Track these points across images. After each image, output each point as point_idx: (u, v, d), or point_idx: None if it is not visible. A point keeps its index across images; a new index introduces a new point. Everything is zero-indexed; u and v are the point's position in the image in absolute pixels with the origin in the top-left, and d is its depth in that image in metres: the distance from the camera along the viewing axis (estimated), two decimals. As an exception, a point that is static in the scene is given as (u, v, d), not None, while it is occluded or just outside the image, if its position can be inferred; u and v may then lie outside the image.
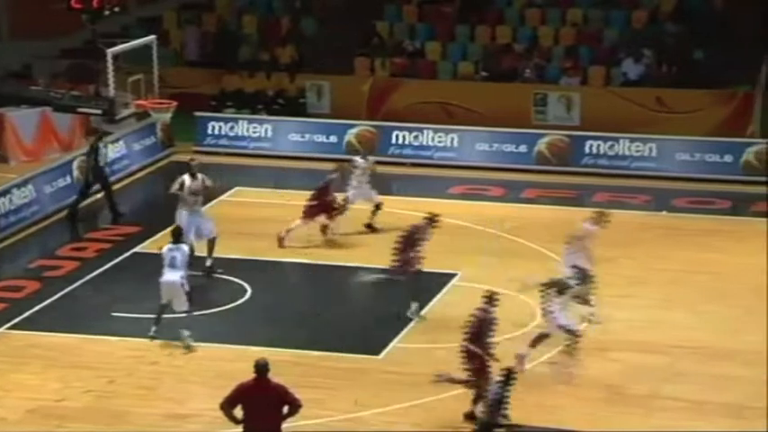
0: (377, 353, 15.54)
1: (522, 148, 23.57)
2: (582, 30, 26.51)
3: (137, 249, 19.29)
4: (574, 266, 15.90)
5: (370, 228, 19.65)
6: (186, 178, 18.00)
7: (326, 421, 13.55)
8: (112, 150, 23.03)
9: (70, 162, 22.10)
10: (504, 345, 15.61)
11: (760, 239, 19.37)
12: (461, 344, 13.52)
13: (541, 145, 23.51)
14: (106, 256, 19.01)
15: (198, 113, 24.92)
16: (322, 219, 19.02)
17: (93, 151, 20.86)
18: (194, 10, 28.95)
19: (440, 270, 18.01)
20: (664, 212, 21.13)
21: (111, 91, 19.54)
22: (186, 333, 15.46)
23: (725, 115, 24.16)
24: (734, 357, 15.25)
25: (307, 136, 24.56)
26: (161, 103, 20.00)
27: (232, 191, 22.13)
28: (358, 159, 19.86)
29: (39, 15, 26.36)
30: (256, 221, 20.42)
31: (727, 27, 25.04)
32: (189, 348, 15.42)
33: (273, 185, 22.69)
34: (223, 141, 24.81)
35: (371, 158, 20.14)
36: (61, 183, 21.60)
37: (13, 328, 16.43)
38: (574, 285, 14.89)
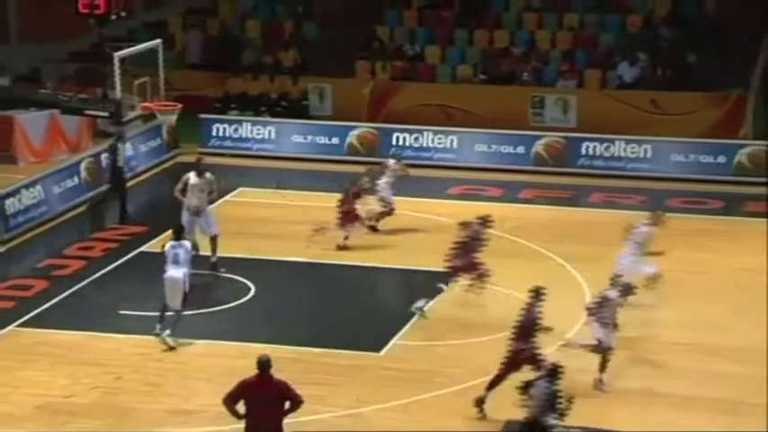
0: (378, 350, 15.53)
1: (520, 150, 23.56)
2: (578, 34, 26.51)
3: (143, 249, 19.29)
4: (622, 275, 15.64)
5: (373, 229, 19.57)
6: (192, 176, 17.97)
7: (327, 417, 13.54)
8: (119, 152, 23.02)
9: (78, 163, 22.10)
10: (502, 342, 15.64)
11: (752, 239, 19.37)
12: (509, 338, 13.58)
13: (539, 146, 23.51)
14: (113, 256, 19.01)
15: (203, 116, 24.92)
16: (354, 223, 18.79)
17: (113, 151, 20.85)
18: (199, 14, 28.96)
19: (439, 269, 18.00)
20: (658, 212, 21.03)
21: (118, 94, 19.57)
22: (167, 332, 15.41)
23: (718, 117, 24.16)
24: (726, 354, 15.24)
25: (309, 137, 24.56)
26: (167, 106, 20.03)
27: (236, 191, 22.14)
28: (390, 161, 19.76)
29: (47, 20, 26.39)
30: (259, 221, 20.43)
31: (720, 32, 25.04)
32: (170, 347, 15.35)
33: (276, 186, 22.67)
34: (227, 143, 24.81)
35: (403, 161, 20.09)
36: (69, 183, 21.60)
37: (21, 325, 16.42)
38: (615, 299, 14.50)
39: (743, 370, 14.82)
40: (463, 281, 16.50)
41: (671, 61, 25.26)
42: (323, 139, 24.45)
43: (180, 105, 20.21)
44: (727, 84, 24.50)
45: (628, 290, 14.61)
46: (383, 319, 16.44)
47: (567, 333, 15.89)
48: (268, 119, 25.45)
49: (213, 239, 17.89)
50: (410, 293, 17.27)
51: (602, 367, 14.30)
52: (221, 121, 25.07)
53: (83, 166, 22.07)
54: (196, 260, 16.30)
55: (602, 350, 14.24)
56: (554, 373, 12.49)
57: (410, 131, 24.12)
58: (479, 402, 13.55)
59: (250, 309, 16.92)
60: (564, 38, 26.45)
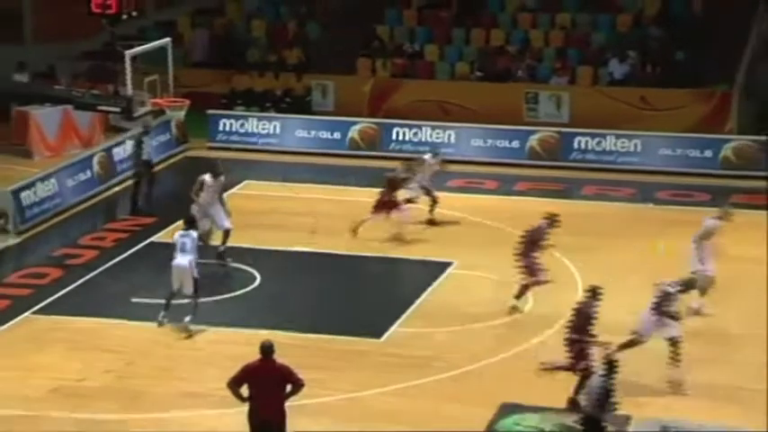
0: (378, 336, 15.52)
1: (515, 144, 23.54)
2: (570, 33, 26.46)
3: (153, 239, 19.29)
4: (695, 272, 15.60)
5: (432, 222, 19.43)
6: (207, 178, 17.88)
7: (328, 400, 13.54)
8: (130, 146, 23.00)
9: (90, 157, 22.11)
10: (497, 329, 15.68)
11: (737, 230, 19.31)
12: (565, 333, 13.41)
13: (533, 141, 23.48)
14: (124, 246, 19.00)
15: (210, 111, 24.90)
16: (392, 215, 18.64)
17: (138, 145, 20.80)
18: (207, 14, 28.92)
19: (438, 258, 18.01)
20: (648, 204, 21.09)
21: (129, 90, 19.50)
22: (187, 319, 15.42)
23: (704, 113, 24.12)
24: (712, 339, 15.23)
25: (312, 132, 24.54)
26: (175, 102, 19.97)
27: (242, 184, 22.12)
28: (426, 157, 19.71)
29: (61, 20, 26.37)
30: (265, 213, 20.42)
31: (707, 31, 24.99)
32: (189, 333, 15.36)
33: (281, 179, 22.65)
34: (234, 137, 24.79)
35: (440, 156, 20.01)
36: (82, 177, 21.60)
37: (37, 312, 16.43)
38: (675, 294, 14.12)
39: (727, 353, 14.80)
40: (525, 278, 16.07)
41: (659, 59, 25.21)
42: (325, 134, 24.43)
43: (188, 101, 20.14)
44: (713, 80, 24.46)
45: (689, 285, 14.15)
46: (383, 307, 16.43)
47: (561, 318, 15.90)
48: (273, 114, 25.42)
49: (226, 232, 17.86)
50: (409, 282, 17.29)
51: (676, 361, 13.86)
52: (228, 117, 25.04)
53: (95, 159, 22.07)
54: (204, 250, 16.25)
55: (674, 343, 13.83)
56: (610, 367, 12.09)
57: (409, 126, 24.09)
58: (572, 403, 13.05)
59: (256, 297, 16.91)
60: (557, 36, 26.41)
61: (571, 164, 23.13)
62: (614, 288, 16.87)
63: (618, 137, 23.16)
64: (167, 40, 20.59)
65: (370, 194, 20.48)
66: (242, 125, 24.81)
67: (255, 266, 17.72)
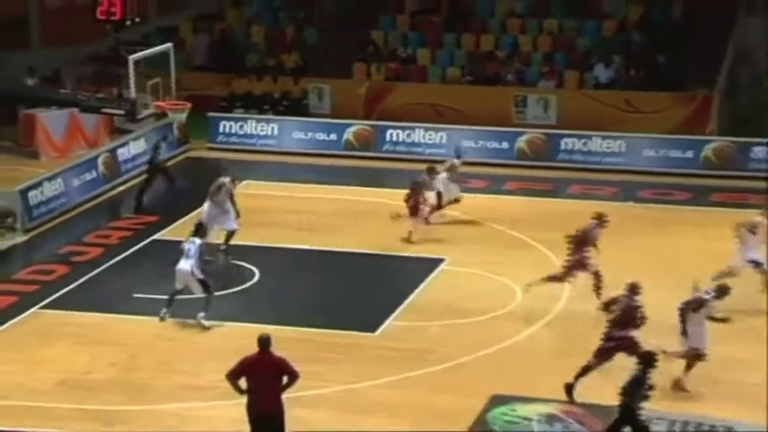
0: (373, 330, 15.50)
1: (504, 145, 23.53)
2: (557, 38, 26.46)
3: (155, 237, 19.25)
4: (751, 261, 15.47)
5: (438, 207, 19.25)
6: (227, 181, 17.86)
7: (325, 392, 13.52)
8: (134, 147, 23.03)
9: (95, 158, 22.05)
10: (489, 323, 15.67)
11: (717, 227, 19.33)
12: (605, 329, 13.24)
13: (521, 142, 23.47)
14: (128, 243, 18.96)
15: (210, 114, 24.85)
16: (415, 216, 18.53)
17: (155, 148, 20.86)
18: (207, 20, 28.89)
19: (430, 255, 18.00)
20: (631, 203, 21.09)
21: (133, 93, 19.48)
22: (201, 314, 15.42)
23: (686, 115, 24.12)
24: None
25: (309, 134, 24.50)
26: (177, 105, 19.96)
27: (242, 184, 21.99)
28: (454, 160, 19.75)
29: (67, 25, 26.31)
30: (264, 212, 20.35)
31: (688, 36, 25.01)
32: (204, 328, 15.38)
33: (279, 179, 22.62)
34: (233, 139, 24.74)
35: (463, 158, 20.07)
36: (87, 177, 21.54)
37: (44, 308, 16.39)
38: (711, 301, 13.66)
39: (710, 347, 14.78)
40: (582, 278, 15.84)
41: (643, 63, 25.22)
42: (322, 136, 24.39)
43: (189, 104, 20.13)
44: (694, 84, 24.47)
45: (723, 292, 13.82)
46: (378, 302, 16.40)
47: (549, 312, 15.91)
48: (271, 117, 25.38)
49: (231, 233, 17.81)
50: (403, 278, 17.26)
51: (689, 367, 13.58)
52: (228, 119, 24.99)
53: (100, 160, 22.01)
54: (203, 251, 16.14)
55: (697, 356, 13.52)
56: (647, 360, 11.90)
57: (403, 128, 24.06)
58: (569, 389, 13.10)
59: (255, 292, 16.88)
60: (544, 42, 26.40)
61: (558, 164, 23.12)
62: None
63: (603, 138, 23.16)
64: (169, 45, 20.56)
65: (366, 193, 20.53)
66: (241, 127, 24.76)
67: (255, 263, 17.68)
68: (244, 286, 17.04)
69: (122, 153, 22.67)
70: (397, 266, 17.89)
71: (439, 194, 19.21)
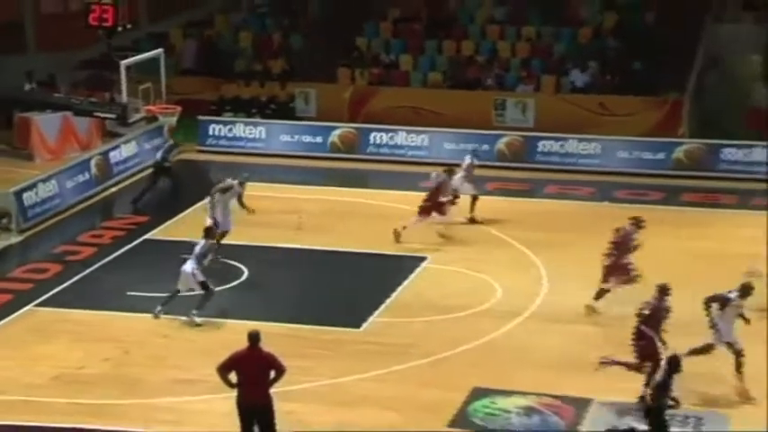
0: (357, 326, 15.51)
1: (484, 147, 23.54)
2: (535, 44, 26.53)
3: (147, 236, 19.20)
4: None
5: (473, 220, 19.35)
6: (235, 184, 17.85)
7: (312, 386, 13.52)
8: (126, 150, 22.99)
9: (88, 160, 21.97)
10: (469, 319, 15.71)
11: (689, 226, 19.49)
12: (635, 329, 13.13)
13: (501, 144, 23.53)
14: (120, 243, 18.90)
15: (200, 117, 24.79)
16: (435, 216, 18.43)
17: (167, 151, 20.88)
18: (197, 27, 28.83)
19: (412, 254, 18.03)
20: (606, 203, 21.17)
21: (124, 97, 19.43)
22: (194, 312, 15.39)
23: (658, 118, 24.24)
24: (665, 328, 15.25)
25: (296, 137, 24.49)
26: (168, 108, 19.92)
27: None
28: (467, 158, 19.72)
29: (61, 31, 26.20)
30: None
31: (660, 42, 25.12)
32: (195, 325, 15.35)
33: (267, 180, 22.57)
34: (222, 142, 24.70)
35: (478, 158, 20.10)
36: (80, 178, 21.46)
37: (39, 305, 16.32)
38: (735, 299, 13.40)
39: (680, 341, 14.85)
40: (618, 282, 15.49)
41: (617, 68, 25.32)
42: (308, 138, 24.38)
43: (179, 108, 20.09)
44: (666, 88, 24.58)
45: (746, 291, 13.49)
46: (362, 299, 16.41)
47: (527, 308, 15.95)
48: (259, 120, 25.34)
49: (225, 233, 17.77)
50: (386, 275, 17.28)
51: (739, 369, 13.30)
52: (217, 122, 24.94)
53: (93, 162, 21.94)
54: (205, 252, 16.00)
55: (735, 351, 13.32)
56: (671, 363, 11.79)
57: (386, 131, 24.08)
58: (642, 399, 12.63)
59: (244, 290, 16.86)
60: (522, 48, 26.47)
61: (536, 165, 23.19)
62: (575, 279, 17.02)
63: (579, 140, 23.23)
64: (160, 50, 20.52)
65: (351, 194, 20.54)
66: (230, 130, 24.72)
67: (243, 261, 17.66)
68: (233, 284, 17.01)
69: (114, 155, 22.60)
70: (381, 265, 17.91)
71: (455, 194, 19.15)
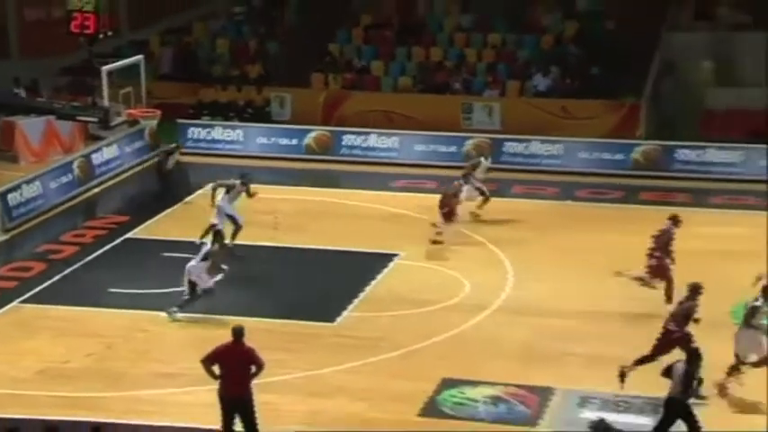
0: (332, 320, 15.50)
1: (453, 149, 23.62)
2: (500, 50, 26.62)
3: (128, 236, 19.09)
4: None
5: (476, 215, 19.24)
6: (239, 184, 17.87)
7: (289, 378, 13.51)
8: (107, 152, 22.88)
9: (71, 162, 21.83)
10: (439, 313, 15.74)
11: (646, 223, 19.57)
12: (665, 325, 13.02)
13: (468, 146, 23.57)
14: (102, 242, 18.78)
15: (180, 121, 24.67)
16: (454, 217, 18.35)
17: (170, 152, 20.98)
18: (176, 34, 28.68)
19: (384, 251, 18.04)
20: (569, 201, 21.29)
21: (106, 102, 19.27)
22: (174, 308, 15.31)
23: (617, 121, 24.38)
24: (623, 319, 15.41)
25: (272, 139, 24.43)
26: (148, 112, 19.78)
27: (209, 186, 21.90)
28: (482, 160, 19.68)
29: (44, 38, 25.99)
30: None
31: (618, 49, 25.27)
32: (174, 320, 15.27)
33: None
34: (201, 144, 24.59)
35: (490, 159, 20.12)
36: (64, 180, 21.32)
37: (23, 302, 16.20)
38: (763, 306, 13.06)
39: (637, 331, 14.97)
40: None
41: (578, 74, 25.45)
42: (284, 141, 24.34)
43: (159, 112, 19.96)
44: (624, 92, 24.73)
45: None
46: (336, 294, 16.40)
47: (494, 302, 16.00)
48: (236, 123, 25.26)
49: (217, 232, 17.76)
50: (359, 271, 17.28)
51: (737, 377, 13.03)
52: (196, 126, 24.83)
53: (75, 164, 21.80)
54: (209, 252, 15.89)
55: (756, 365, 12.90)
56: (693, 356, 11.76)
57: (358, 133, 24.07)
58: (622, 375, 12.82)
59: (223, 286, 16.75)
60: (488, 54, 26.55)
61: (502, 165, 23.18)
62: (540, 275, 17.12)
63: (542, 142, 23.34)
64: (140, 57, 20.38)
65: (325, 194, 20.49)
66: (208, 133, 24.62)
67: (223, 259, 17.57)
68: (213, 280, 16.89)
69: (96, 157, 22.47)
70: (354, 261, 17.91)
71: (479, 190, 19.05)
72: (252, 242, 18.55)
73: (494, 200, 20.90)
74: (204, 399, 12.36)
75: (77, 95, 23.29)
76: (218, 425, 11.59)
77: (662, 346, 12.99)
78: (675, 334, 12.99)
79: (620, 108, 24.48)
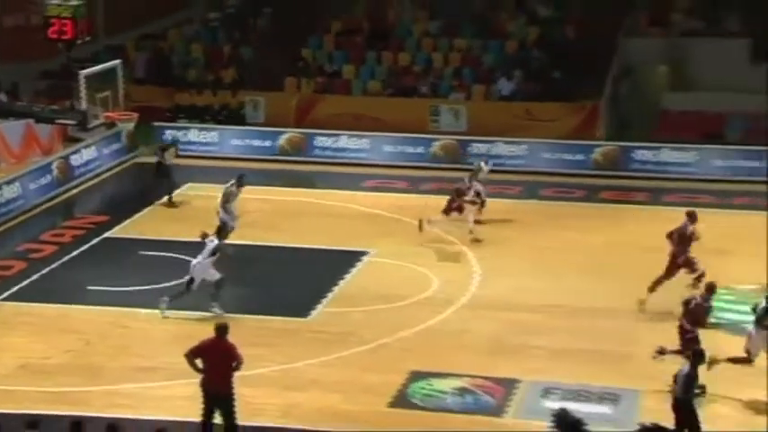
0: (304, 316, 15.47)
1: (421, 150, 23.66)
2: (466, 55, 26.68)
3: (106, 235, 18.95)
4: None
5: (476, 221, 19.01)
6: (234, 189, 17.91)
7: (265, 372, 13.47)
8: (86, 154, 22.69)
9: (50, 164, 21.63)
10: (408, 308, 15.76)
11: (606, 221, 19.77)
12: (680, 323, 12.97)
13: (436, 147, 23.63)
14: (80, 241, 18.62)
15: (156, 123, 24.51)
16: (455, 215, 18.39)
17: (161, 153, 20.70)
18: (151, 39, 28.50)
19: (355, 249, 18.02)
20: (532, 200, 21.36)
21: (84, 105, 19.10)
22: (165, 299, 15.17)
23: (577, 123, 24.51)
24: (586, 314, 15.50)
25: (246, 141, 24.34)
26: (125, 115, 19.61)
27: (186, 186, 21.83)
28: (482, 164, 19.66)
29: (23, 43, 25.68)
30: (206, 211, 20.09)
31: (579, 53, 25.40)
32: (161, 310, 15.09)
33: (219, 182, 22.36)
34: (178, 146, 24.41)
35: (490, 164, 20.08)
36: (43, 181, 21.13)
37: (4, 300, 16.03)
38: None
39: (600, 324, 15.09)
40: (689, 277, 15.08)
41: (540, 77, 25.57)
42: (257, 142, 24.25)
43: (137, 115, 19.78)
44: (584, 95, 24.87)
45: None
46: (309, 291, 16.36)
47: (461, 297, 16.05)
48: (211, 125, 25.13)
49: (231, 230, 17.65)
50: (331, 268, 17.26)
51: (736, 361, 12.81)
52: (172, 128, 24.67)
53: (54, 165, 21.61)
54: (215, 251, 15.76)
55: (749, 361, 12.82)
56: (696, 357, 11.63)
57: (330, 135, 24.04)
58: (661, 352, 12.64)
59: (200, 284, 16.66)
60: (455, 58, 26.60)
61: (468, 166, 22.97)
62: (506, 271, 17.18)
63: (507, 143, 23.41)
64: (118, 61, 20.22)
65: (298, 194, 20.44)
66: (185, 135, 24.46)
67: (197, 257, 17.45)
68: (187, 278, 16.81)
69: (75, 159, 22.30)
70: (326, 259, 17.89)
71: (478, 194, 19.07)
72: (227, 240, 18.42)
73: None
74: (182, 392, 12.30)
75: (56, 99, 23.08)
76: (195, 417, 11.53)
77: (685, 345, 12.76)
78: (689, 334, 12.95)
79: (580, 110, 24.62)
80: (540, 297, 16.11)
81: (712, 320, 14.03)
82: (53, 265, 17.40)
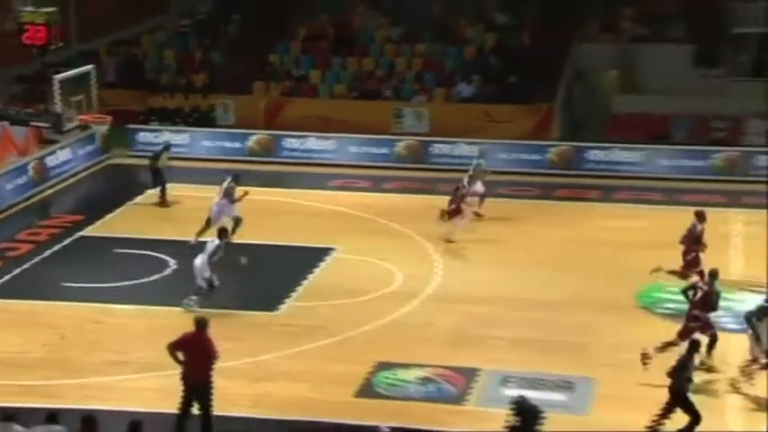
0: (273, 310, 15.37)
1: (385, 150, 23.60)
2: (428, 60, 26.67)
3: (81, 234, 18.68)
4: None
5: (477, 214, 19.05)
6: (231, 186, 17.74)
7: (236, 364, 13.33)
8: (61, 155, 22.38)
9: (26, 165, 21.30)
10: (372, 302, 15.70)
11: (561, 217, 19.85)
12: (689, 311, 12.81)
13: (399, 147, 23.58)
14: (56, 240, 18.35)
15: (129, 126, 24.23)
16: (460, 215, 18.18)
17: (155, 157, 20.45)
18: (124, 45, 28.18)
19: (322, 245, 17.93)
20: (490, 198, 21.33)
21: (58, 108, 18.81)
22: (193, 298, 14.97)
23: (533, 124, 24.60)
24: (544, 306, 15.54)
25: (217, 142, 24.13)
26: (99, 118, 19.36)
27: (157, 187, 21.56)
28: (481, 162, 19.48)
29: (-3, 48, 25.26)
30: (178, 209, 20.01)
31: (534, 59, 25.50)
32: (189, 310, 14.74)
33: (191, 182, 22.20)
34: (150, 148, 24.05)
35: (486, 164, 19.86)
36: (19, 181, 20.80)
37: (-19, 297, 15.74)
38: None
39: (554, 316, 15.14)
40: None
41: (497, 81, 25.64)
42: (227, 144, 24.06)
43: (110, 118, 19.55)
44: (539, 98, 24.97)
45: None
46: (277, 286, 16.26)
47: (424, 291, 16.01)
48: (183, 128, 24.88)
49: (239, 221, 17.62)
50: (299, 264, 17.16)
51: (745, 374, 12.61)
52: (145, 130, 24.40)
53: (30, 166, 21.28)
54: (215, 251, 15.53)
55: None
56: (692, 347, 11.61)
57: (297, 137, 23.90)
58: (645, 357, 12.54)
59: (171, 280, 16.52)
60: (417, 63, 26.59)
61: (431, 166, 23.29)
62: (467, 265, 17.19)
63: (467, 143, 23.38)
64: (91, 66, 19.95)
65: (267, 193, 20.29)
66: (157, 137, 24.17)
67: (170, 254, 17.30)
68: (161, 274, 16.66)
69: (51, 160, 21.97)
70: (294, 255, 17.78)
71: (477, 193, 18.93)
72: (200, 238, 18.27)
73: (424, 197, 20.97)
74: (153, 384, 12.16)
75: (32, 103, 22.72)
76: (167, 409, 11.40)
77: (688, 332, 12.66)
78: (696, 322, 12.82)
79: (536, 113, 24.71)
80: (500, 290, 16.13)
81: (658, 311, 14.11)
82: (29, 264, 17.12)
